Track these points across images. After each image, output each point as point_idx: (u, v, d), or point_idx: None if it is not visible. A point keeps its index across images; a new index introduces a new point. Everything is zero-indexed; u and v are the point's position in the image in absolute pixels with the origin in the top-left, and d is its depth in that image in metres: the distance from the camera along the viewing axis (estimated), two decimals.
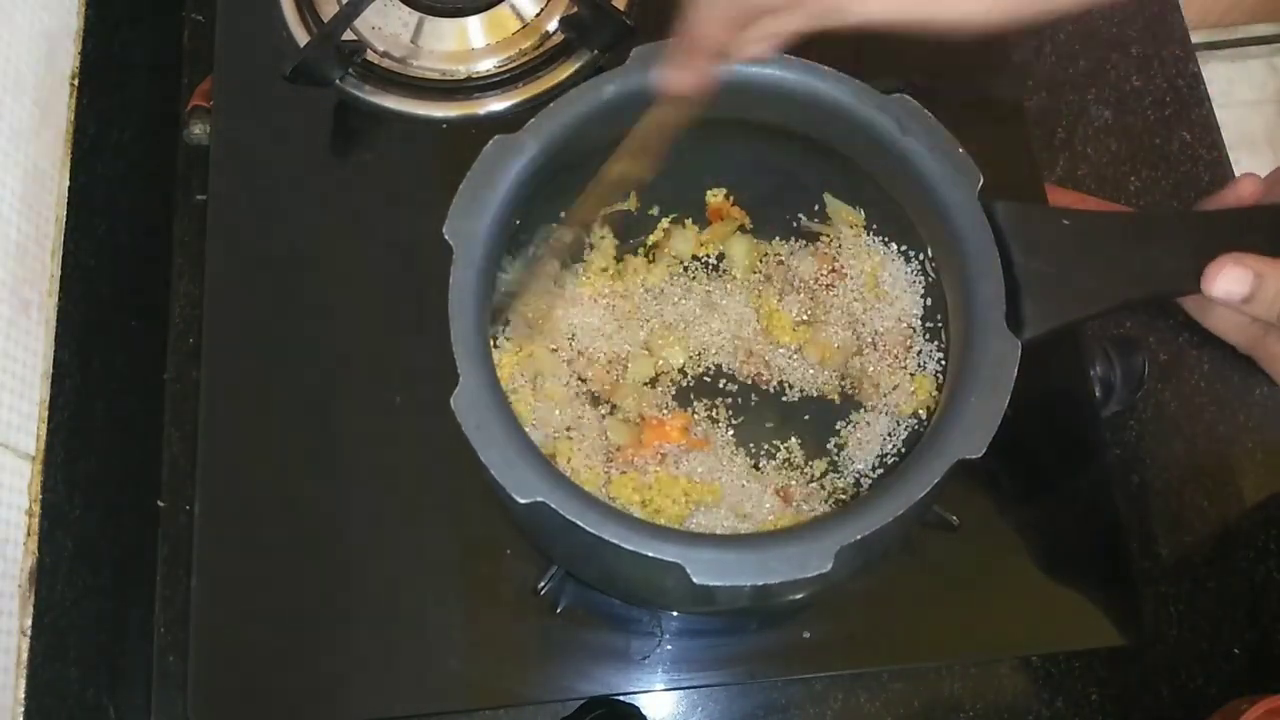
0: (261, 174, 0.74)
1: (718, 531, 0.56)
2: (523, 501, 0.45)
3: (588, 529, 0.44)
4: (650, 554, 0.44)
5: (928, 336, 0.60)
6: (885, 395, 0.59)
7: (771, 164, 0.63)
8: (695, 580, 0.43)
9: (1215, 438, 0.76)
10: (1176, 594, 0.73)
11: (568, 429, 0.59)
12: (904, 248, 0.61)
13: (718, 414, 0.62)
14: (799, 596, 0.59)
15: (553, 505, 0.45)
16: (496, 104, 0.74)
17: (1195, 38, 0.88)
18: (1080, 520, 0.66)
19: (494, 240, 0.51)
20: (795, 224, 0.65)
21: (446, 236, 0.51)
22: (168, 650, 0.71)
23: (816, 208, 0.64)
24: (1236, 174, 0.85)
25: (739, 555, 0.44)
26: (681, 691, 0.68)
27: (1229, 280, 0.50)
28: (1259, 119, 1.72)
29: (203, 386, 0.68)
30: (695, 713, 0.68)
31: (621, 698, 0.65)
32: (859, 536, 0.44)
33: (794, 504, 0.58)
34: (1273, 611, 0.73)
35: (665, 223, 0.65)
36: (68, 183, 0.69)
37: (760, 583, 0.44)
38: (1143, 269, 0.52)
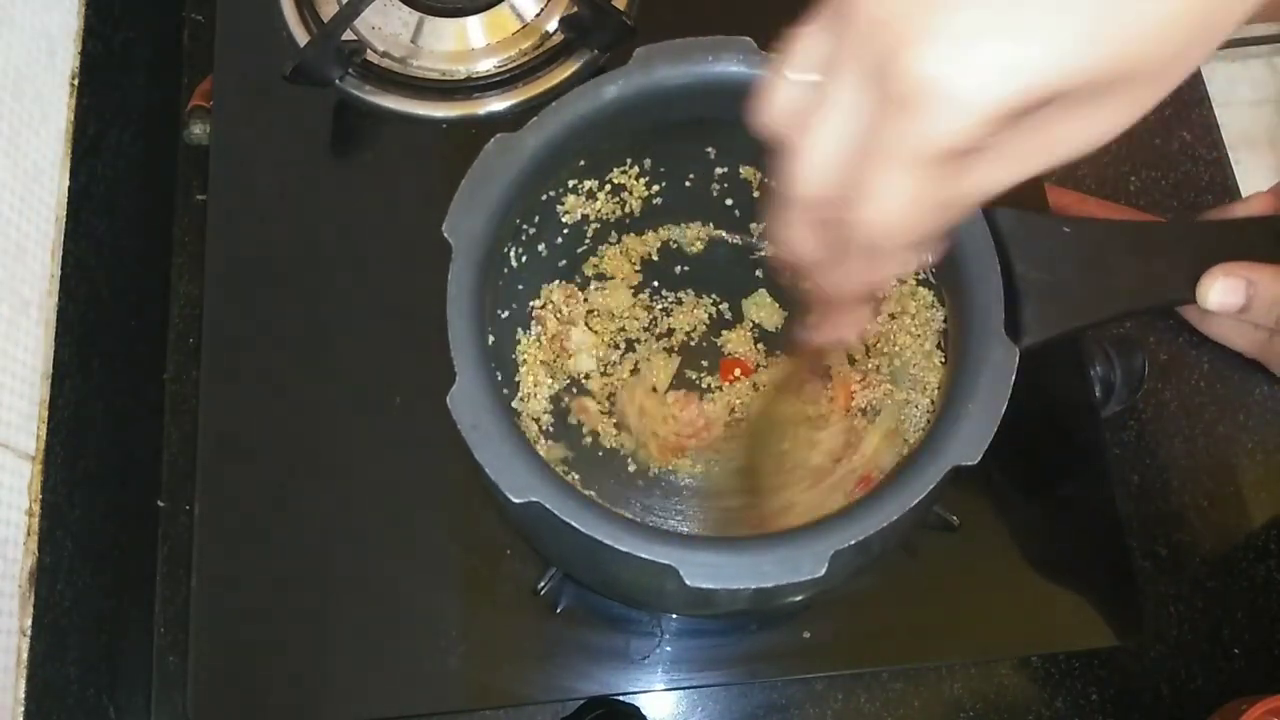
0: (261, 174, 0.74)
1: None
2: (517, 501, 0.45)
3: (582, 529, 0.44)
4: (644, 555, 0.44)
5: None
6: None
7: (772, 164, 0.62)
8: (689, 583, 0.43)
9: (1215, 437, 0.76)
10: (1176, 594, 0.73)
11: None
12: None
13: None
14: (797, 599, 0.59)
15: (547, 505, 0.45)
16: (496, 104, 0.74)
17: None
18: (1080, 520, 0.66)
19: (493, 239, 0.51)
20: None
21: (446, 234, 0.51)
22: (168, 650, 0.71)
23: None
24: (1237, 174, 0.85)
25: (733, 558, 0.44)
26: (681, 691, 0.68)
27: (1222, 291, 0.50)
28: (1259, 119, 1.72)
29: (202, 386, 0.69)
30: (695, 713, 0.68)
31: (621, 698, 0.65)
32: (853, 541, 0.44)
33: None
34: (1273, 612, 0.73)
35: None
36: (68, 182, 0.69)
37: (754, 586, 0.44)
38: (1144, 280, 0.52)
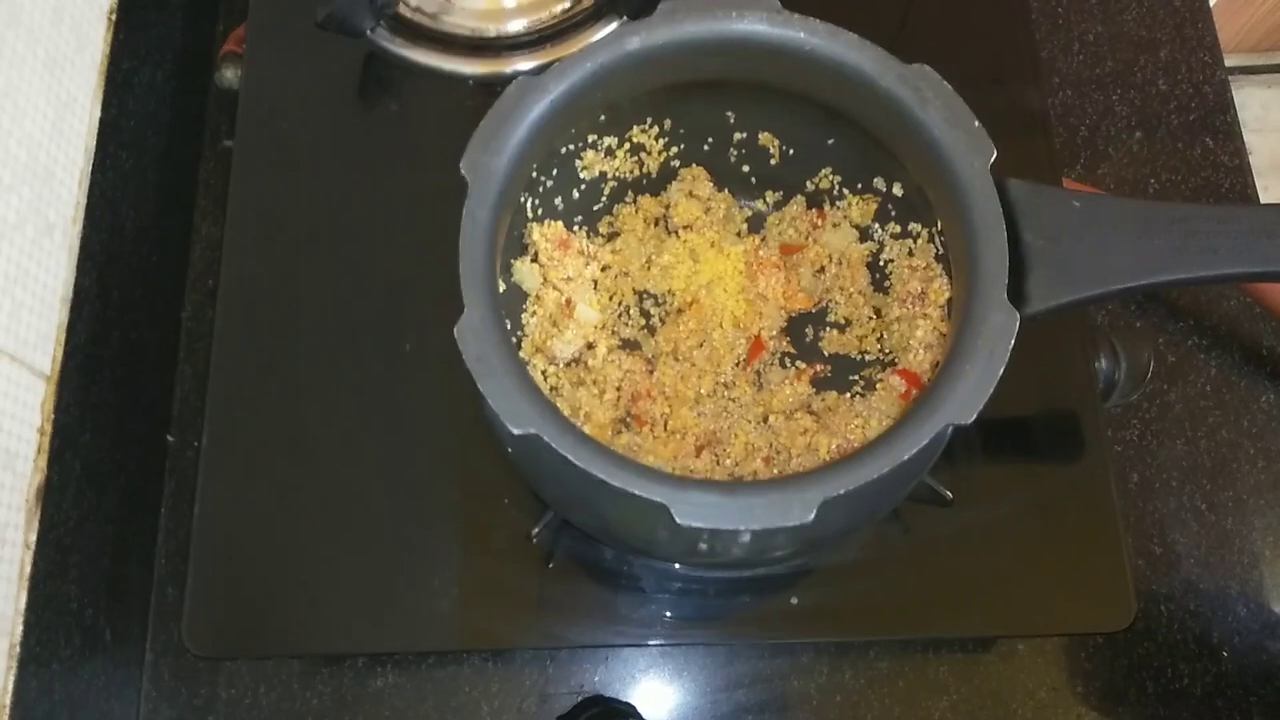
0: (288, 121, 0.75)
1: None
2: (517, 433, 0.46)
3: (577, 464, 0.45)
4: (637, 492, 0.45)
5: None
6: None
7: (790, 131, 0.63)
8: (679, 521, 0.44)
9: (1217, 441, 0.77)
10: (1168, 594, 0.73)
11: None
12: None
13: None
14: (786, 552, 0.59)
15: (545, 438, 0.45)
16: (524, 64, 0.75)
17: (1231, 61, 0.88)
18: (1075, 506, 0.66)
19: (509, 178, 0.52)
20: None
21: (463, 170, 0.51)
22: (167, 581, 0.72)
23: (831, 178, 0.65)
24: (1263, 199, 0.85)
25: (723, 499, 0.45)
26: (668, 655, 0.69)
27: None
28: None
29: (216, 326, 0.69)
30: (681, 677, 0.69)
31: (619, 671, 0.66)
32: (843, 490, 0.45)
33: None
34: (1265, 617, 0.73)
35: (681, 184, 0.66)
36: (99, 114, 0.70)
37: (742, 527, 0.44)
38: (1148, 258, 0.52)
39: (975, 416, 0.46)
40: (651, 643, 0.64)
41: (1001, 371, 0.47)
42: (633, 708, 0.66)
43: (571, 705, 0.68)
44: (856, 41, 0.53)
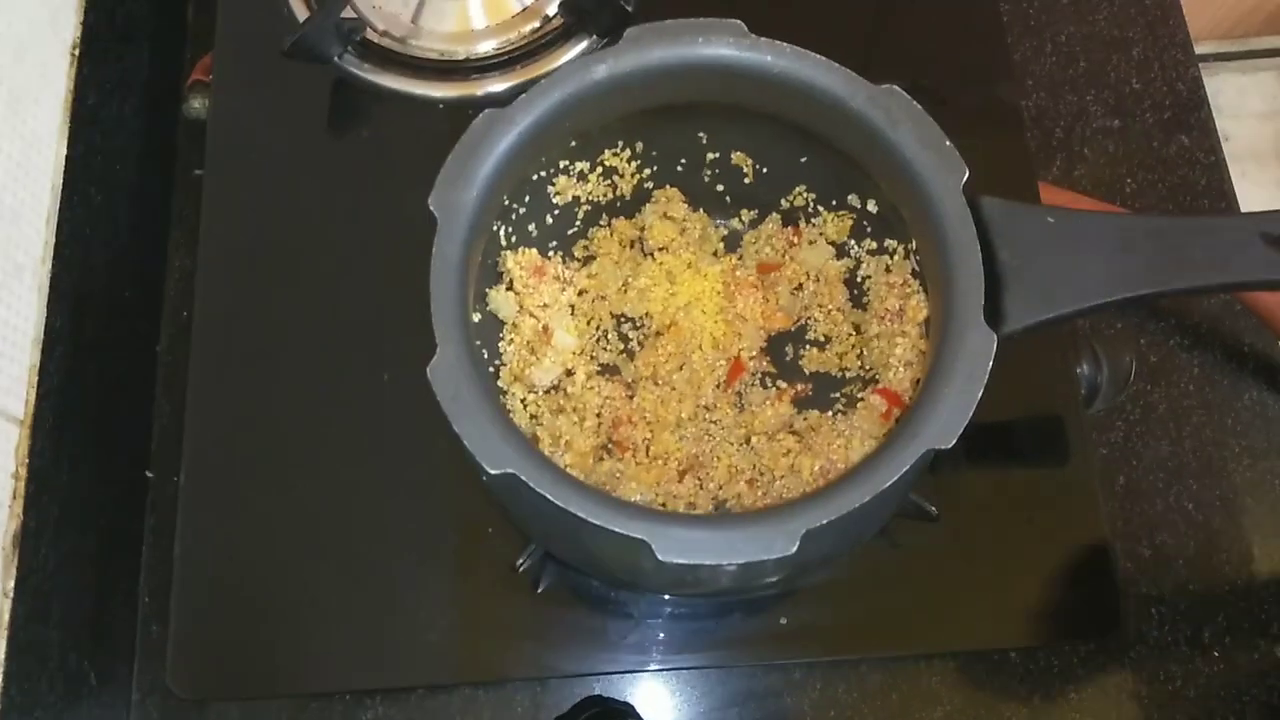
0: (258, 149, 0.74)
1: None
2: (494, 472, 0.45)
3: (555, 502, 0.45)
4: (617, 529, 0.44)
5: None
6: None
7: (763, 150, 0.63)
8: (660, 557, 0.44)
9: (1202, 441, 0.76)
10: (1159, 595, 0.73)
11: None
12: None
13: None
14: (775, 580, 0.59)
15: (522, 477, 0.45)
16: (495, 85, 0.74)
17: (1206, 48, 0.88)
18: (1062, 516, 0.66)
19: (479, 212, 0.51)
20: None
21: (431, 207, 0.51)
22: (151, 620, 0.71)
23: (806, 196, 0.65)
24: (1243, 186, 0.85)
25: (705, 534, 0.45)
26: (661, 677, 0.69)
27: None
28: (1269, 131, 1.72)
29: (192, 359, 0.69)
30: (675, 698, 0.69)
31: (610, 692, 0.65)
32: (825, 520, 0.44)
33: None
34: (1255, 615, 0.73)
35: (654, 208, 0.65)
36: (65, 151, 0.69)
37: (725, 562, 0.44)
38: (1126, 272, 0.52)
39: (955, 441, 0.46)
40: (642, 669, 0.63)
41: (980, 393, 0.47)
42: (631, 707, 0.66)
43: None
44: (824, 64, 0.53)
